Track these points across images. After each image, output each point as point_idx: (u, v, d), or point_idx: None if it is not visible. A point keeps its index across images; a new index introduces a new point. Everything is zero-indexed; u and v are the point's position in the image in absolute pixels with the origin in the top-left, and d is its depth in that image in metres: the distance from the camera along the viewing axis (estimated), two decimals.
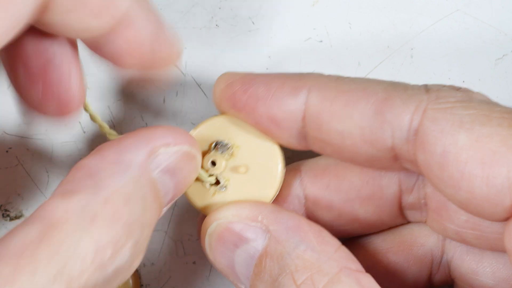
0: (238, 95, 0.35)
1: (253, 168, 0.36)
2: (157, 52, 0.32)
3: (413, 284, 0.38)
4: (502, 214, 0.31)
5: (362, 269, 0.33)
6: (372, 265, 0.38)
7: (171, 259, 0.41)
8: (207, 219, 0.35)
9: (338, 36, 0.41)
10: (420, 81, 0.41)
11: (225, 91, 0.35)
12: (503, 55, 0.41)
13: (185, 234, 0.41)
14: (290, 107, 0.34)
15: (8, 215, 0.40)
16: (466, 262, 0.37)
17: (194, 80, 0.41)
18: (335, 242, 0.34)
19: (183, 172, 0.33)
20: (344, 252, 0.34)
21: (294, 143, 0.35)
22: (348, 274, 0.32)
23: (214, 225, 0.35)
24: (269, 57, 0.41)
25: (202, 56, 0.41)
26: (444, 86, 0.33)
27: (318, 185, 0.37)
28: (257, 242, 0.34)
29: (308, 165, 0.38)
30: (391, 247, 0.38)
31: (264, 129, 0.35)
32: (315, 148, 0.35)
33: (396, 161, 0.33)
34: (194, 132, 0.36)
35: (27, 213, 0.40)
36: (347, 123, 0.33)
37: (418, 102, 0.32)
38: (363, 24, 0.41)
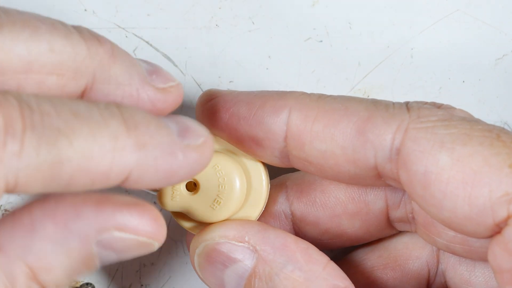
0: (220, 114, 0.35)
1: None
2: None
3: None
4: (485, 232, 0.31)
5: (352, 285, 0.33)
6: (372, 281, 0.38)
7: (171, 259, 0.41)
8: (194, 240, 0.35)
9: (338, 36, 0.41)
10: (420, 81, 0.41)
11: (206, 110, 0.35)
12: (503, 55, 0.41)
13: (185, 234, 0.41)
14: (272, 127, 0.34)
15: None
16: (459, 272, 0.37)
17: (194, 80, 0.41)
18: (323, 259, 0.34)
19: (130, 252, 0.31)
20: (333, 268, 0.34)
21: (276, 162, 0.35)
22: None
23: (201, 246, 0.35)
24: (269, 57, 0.41)
25: (202, 56, 0.41)
26: (425, 103, 0.33)
27: (304, 201, 0.37)
28: (245, 262, 0.34)
29: (294, 180, 0.38)
30: (388, 263, 0.38)
31: (246, 148, 0.35)
32: (297, 166, 0.35)
33: (380, 179, 0.33)
34: None
35: None
36: (329, 143, 0.33)
37: (399, 121, 0.32)
38: (363, 24, 0.41)
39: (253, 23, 0.41)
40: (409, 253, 0.38)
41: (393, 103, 0.33)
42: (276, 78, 0.41)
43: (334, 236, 0.37)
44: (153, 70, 0.32)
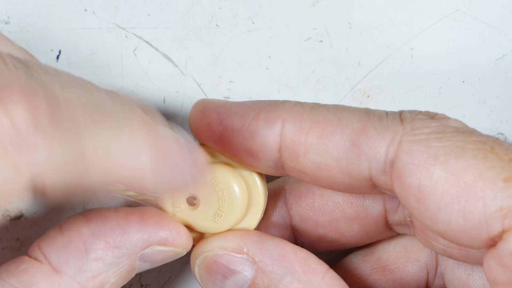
0: (213, 126, 0.35)
1: None
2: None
3: None
4: (480, 245, 0.31)
5: None
6: (370, 285, 0.38)
7: None
8: (194, 251, 0.35)
9: (338, 36, 0.41)
10: (420, 81, 0.41)
11: (200, 122, 0.35)
12: (503, 55, 0.41)
13: None
14: (266, 139, 0.34)
15: (8, 215, 0.40)
16: (457, 275, 0.37)
17: (194, 80, 0.41)
18: (322, 268, 0.34)
19: (163, 262, 0.35)
20: (332, 277, 0.34)
21: (272, 172, 0.35)
22: None
23: (201, 258, 0.35)
24: (269, 57, 0.41)
25: (202, 56, 0.41)
26: (419, 113, 0.33)
27: (303, 205, 0.37)
28: (244, 273, 0.34)
29: (292, 184, 0.38)
30: (387, 266, 0.38)
31: (241, 160, 0.35)
32: (292, 175, 0.35)
33: (375, 188, 0.33)
34: None
35: (27, 213, 0.40)
36: (323, 156, 0.33)
37: (393, 133, 0.32)
38: (363, 24, 0.41)
39: (253, 23, 0.41)
40: (408, 256, 0.38)
41: (387, 113, 0.33)
42: (276, 78, 0.41)
43: (333, 240, 0.37)
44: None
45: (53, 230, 0.34)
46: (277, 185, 0.38)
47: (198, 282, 0.35)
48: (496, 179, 0.30)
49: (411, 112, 0.33)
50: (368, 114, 0.33)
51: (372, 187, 0.33)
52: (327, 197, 0.37)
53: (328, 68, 0.41)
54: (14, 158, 0.26)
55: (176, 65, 0.41)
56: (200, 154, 0.33)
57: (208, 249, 0.35)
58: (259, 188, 0.35)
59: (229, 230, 0.35)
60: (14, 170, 0.26)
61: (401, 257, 0.38)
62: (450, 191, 0.30)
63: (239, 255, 0.34)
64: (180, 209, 0.35)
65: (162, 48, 0.41)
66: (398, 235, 0.38)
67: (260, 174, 0.36)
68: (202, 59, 0.41)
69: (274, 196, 0.37)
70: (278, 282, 0.33)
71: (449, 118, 0.33)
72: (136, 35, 0.40)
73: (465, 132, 0.32)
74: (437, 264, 0.38)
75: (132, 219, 0.34)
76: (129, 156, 0.28)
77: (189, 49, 0.41)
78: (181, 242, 0.34)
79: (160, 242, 0.34)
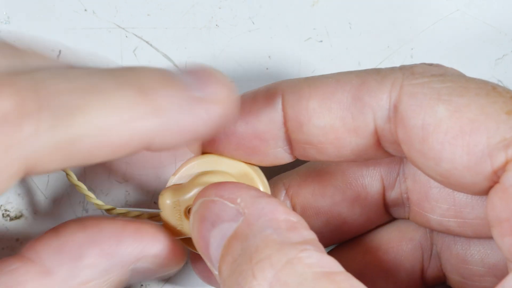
0: None
1: None
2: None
3: (407, 281, 0.38)
4: (483, 183, 0.31)
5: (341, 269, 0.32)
6: (364, 265, 0.38)
7: None
8: (197, 197, 0.34)
9: (338, 36, 0.41)
10: None
11: None
12: (503, 55, 0.42)
13: None
14: (269, 116, 0.34)
15: (8, 215, 0.40)
16: (454, 251, 0.37)
17: None
18: (310, 235, 0.32)
19: (155, 276, 0.35)
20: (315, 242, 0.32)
21: (279, 156, 0.35)
22: (310, 255, 0.30)
23: (199, 202, 0.33)
24: (269, 57, 0.41)
25: (202, 56, 0.41)
26: (416, 64, 0.33)
27: (303, 193, 0.37)
28: (230, 223, 0.32)
29: (290, 177, 0.38)
30: (381, 246, 0.38)
31: (248, 149, 0.34)
32: (299, 153, 0.35)
33: (379, 147, 0.33)
34: (173, 179, 0.35)
35: (27, 213, 0.40)
36: (327, 117, 0.33)
37: (393, 79, 0.32)
38: (363, 24, 0.41)
39: (253, 23, 0.41)
40: (402, 236, 0.38)
41: (385, 68, 0.33)
42: (276, 78, 0.41)
43: (335, 227, 0.37)
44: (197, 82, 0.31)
45: (49, 233, 0.34)
46: (275, 182, 0.38)
47: (192, 236, 0.34)
48: (498, 112, 0.30)
49: (407, 65, 0.33)
50: (365, 70, 0.33)
51: (377, 146, 0.33)
52: (325, 181, 0.37)
53: (328, 68, 0.41)
54: (5, 142, 0.26)
55: (176, 65, 0.41)
56: (216, 81, 0.30)
57: (207, 194, 0.33)
58: (257, 183, 0.35)
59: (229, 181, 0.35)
60: (6, 154, 0.26)
61: (395, 237, 0.38)
62: (454, 127, 0.30)
63: (231, 205, 0.33)
64: (184, 222, 0.35)
65: (162, 48, 0.41)
66: (393, 220, 0.38)
67: (259, 173, 0.36)
68: (202, 59, 0.41)
69: (275, 191, 0.37)
70: (258, 233, 0.31)
71: (447, 67, 0.33)
72: (136, 35, 0.40)
73: (465, 76, 0.32)
74: (432, 243, 0.38)
75: (128, 230, 0.33)
76: (132, 129, 0.28)
77: (189, 49, 0.41)
78: (175, 259, 0.34)
79: (154, 256, 0.34)
